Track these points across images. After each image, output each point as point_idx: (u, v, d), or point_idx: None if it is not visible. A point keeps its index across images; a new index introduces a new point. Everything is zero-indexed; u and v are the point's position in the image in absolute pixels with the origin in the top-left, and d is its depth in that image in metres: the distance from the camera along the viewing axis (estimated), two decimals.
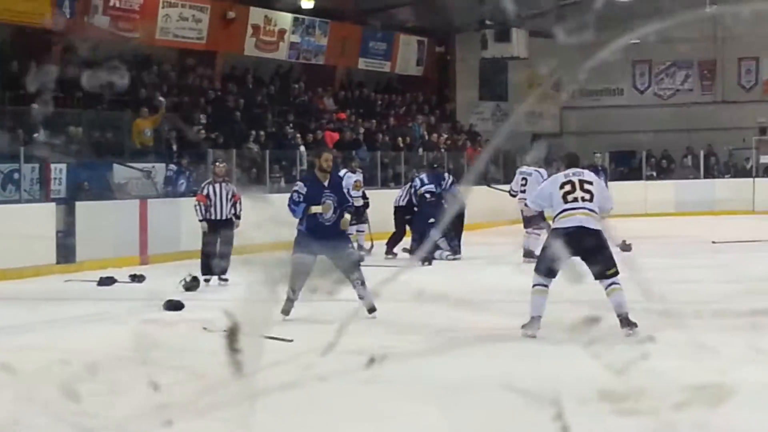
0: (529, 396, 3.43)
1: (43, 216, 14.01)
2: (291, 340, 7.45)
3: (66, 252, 14.07)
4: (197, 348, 7.23)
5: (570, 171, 8.25)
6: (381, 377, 4.15)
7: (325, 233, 9.15)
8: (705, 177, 26.97)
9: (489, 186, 18.37)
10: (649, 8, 11.01)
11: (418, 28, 27.38)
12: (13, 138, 14.87)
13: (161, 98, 18.10)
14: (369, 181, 18.72)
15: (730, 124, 28.19)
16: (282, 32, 23.45)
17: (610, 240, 8.30)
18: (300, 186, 9.48)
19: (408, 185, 16.64)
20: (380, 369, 3.34)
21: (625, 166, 27.67)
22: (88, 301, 11.17)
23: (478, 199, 16.60)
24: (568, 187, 8.08)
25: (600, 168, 17.71)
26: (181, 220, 14.93)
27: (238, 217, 12.28)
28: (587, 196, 8.03)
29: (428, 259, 14.08)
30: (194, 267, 12.08)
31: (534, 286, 7.96)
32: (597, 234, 7.97)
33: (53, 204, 14.39)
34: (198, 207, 12.26)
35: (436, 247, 14.82)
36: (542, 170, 14.70)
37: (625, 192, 19.61)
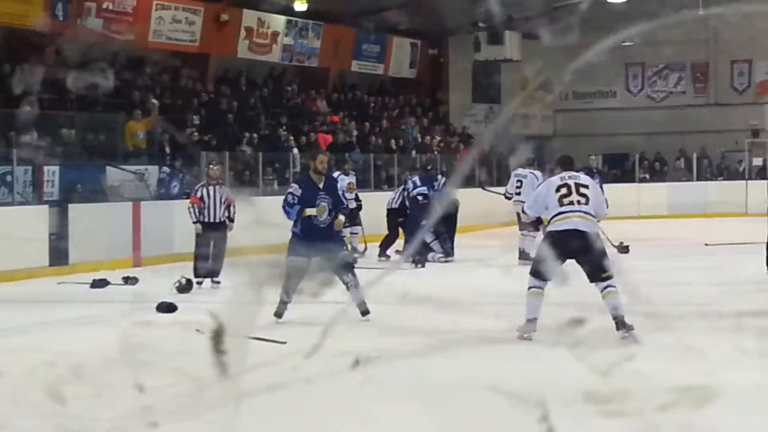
0: (515, 398, 3.45)
1: (36, 218, 13.98)
2: (284, 342, 7.47)
3: (59, 254, 14.04)
4: (188, 350, 7.19)
5: (566, 174, 8.25)
6: (368, 379, 4.17)
7: (319, 235, 9.11)
8: (698, 179, 26.99)
9: (484, 188, 18.38)
10: (641, 11, 11.01)
11: (411, 31, 27.35)
12: (5, 140, 14.86)
13: (154, 101, 18.06)
14: (362, 184, 18.70)
15: (722, 126, 28.20)
16: (275, 34, 23.44)
17: (605, 242, 8.32)
18: (294, 188, 9.38)
19: (401, 188, 16.65)
20: (368, 370, 3.36)
21: (618, 168, 27.69)
22: (80, 303, 11.15)
23: (471, 202, 16.60)
24: (564, 190, 8.09)
25: (595, 170, 17.73)
26: (174, 222, 14.93)
27: (231, 220, 12.27)
28: (583, 200, 8.04)
29: (422, 262, 14.10)
30: (187, 269, 12.08)
31: (529, 288, 7.96)
32: (592, 237, 7.99)
33: (46, 206, 14.36)
34: (192, 209, 12.25)
35: (429, 249, 14.85)
36: (537, 172, 14.73)
37: (617, 194, 19.59)
